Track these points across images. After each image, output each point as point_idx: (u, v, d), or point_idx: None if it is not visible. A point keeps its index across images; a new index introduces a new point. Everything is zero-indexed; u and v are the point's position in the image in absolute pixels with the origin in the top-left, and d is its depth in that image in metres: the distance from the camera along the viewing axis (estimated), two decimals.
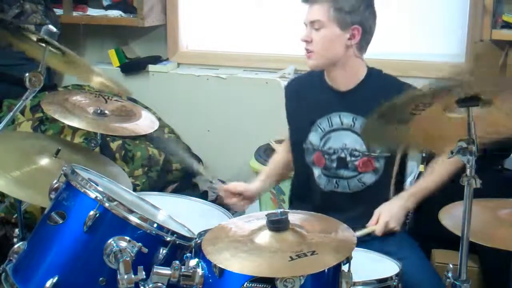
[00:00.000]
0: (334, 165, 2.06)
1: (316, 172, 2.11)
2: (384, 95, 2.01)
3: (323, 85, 2.11)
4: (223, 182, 3.27)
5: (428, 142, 1.66)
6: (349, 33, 1.99)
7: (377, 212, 1.96)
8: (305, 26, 2.05)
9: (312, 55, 2.03)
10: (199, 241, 1.55)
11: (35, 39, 2.04)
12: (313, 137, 2.09)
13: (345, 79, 2.06)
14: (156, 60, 3.48)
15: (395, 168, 2.09)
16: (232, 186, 2.20)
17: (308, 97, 2.15)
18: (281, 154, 2.34)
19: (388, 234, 1.95)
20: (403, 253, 1.89)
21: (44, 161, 1.98)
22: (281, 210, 1.45)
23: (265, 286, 1.34)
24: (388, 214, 1.94)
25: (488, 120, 1.45)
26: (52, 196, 1.64)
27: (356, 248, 1.42)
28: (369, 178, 2.05)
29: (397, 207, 1.97)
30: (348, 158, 2.05)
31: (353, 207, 2.04)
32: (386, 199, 2.03)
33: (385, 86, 2.03)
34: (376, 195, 2.05)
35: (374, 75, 2.09)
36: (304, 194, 2.17)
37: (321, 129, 2.08)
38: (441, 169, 2.03)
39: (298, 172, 2.23)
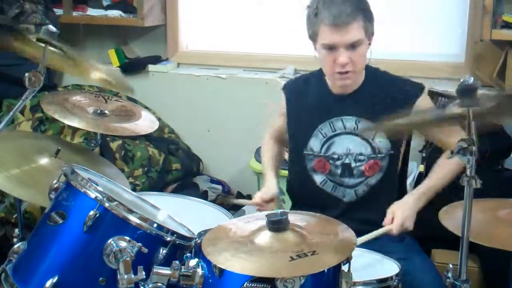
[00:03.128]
0: (339, 171, 2.04)
1: (318, 178, 2.07)
2: (385, 95, 2.04)
3: (323, 88, 2.08)
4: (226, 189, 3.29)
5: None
6: (368, 41, 1.96)
7: (390, 211, 1.92)
8: (330, 49, 1.92)
9: (352, 75, 1.96)
10: (199, 241, 1.55)
11: (34, 39, 2.04)
12: (314, 143, 2.06)
13: (350, 84, 2.02)
14: (156, 60, 3.48)
15: (399, 166, 2.09)
16: (262, 197, 2.05)
17: (309, 101, 2.10)
18: (272, 144, 2.26)
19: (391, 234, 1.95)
20: (404, 253, 1.89)
21: (44, 161, 1.98)
22: (281, 210, 1.45)
23: (265, 286, 1.34)
24: (403, 214, 1.89)
25: None
26: (52, 196, 1.64)
27: (356, 248, 1.42)
28: (374, 178, 2.03)
29: (410, 206, 1.92)
30: (353, 164, 2.02)
31: (360, 210, 2.02)
32: (393, 196, 2.01)
33: (386, 85, 2.04)
34: (382, 194, 2.04)
35: (372, 76, 2.06)
36: (305, 200, 2.12)
37: (322, 134, 2.05)
38: (445, 168, 1.99)
39: (297, 177, 2.16)
